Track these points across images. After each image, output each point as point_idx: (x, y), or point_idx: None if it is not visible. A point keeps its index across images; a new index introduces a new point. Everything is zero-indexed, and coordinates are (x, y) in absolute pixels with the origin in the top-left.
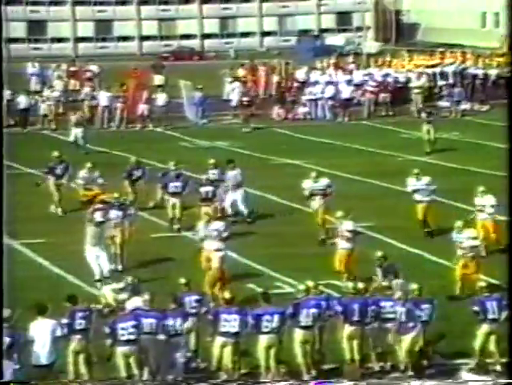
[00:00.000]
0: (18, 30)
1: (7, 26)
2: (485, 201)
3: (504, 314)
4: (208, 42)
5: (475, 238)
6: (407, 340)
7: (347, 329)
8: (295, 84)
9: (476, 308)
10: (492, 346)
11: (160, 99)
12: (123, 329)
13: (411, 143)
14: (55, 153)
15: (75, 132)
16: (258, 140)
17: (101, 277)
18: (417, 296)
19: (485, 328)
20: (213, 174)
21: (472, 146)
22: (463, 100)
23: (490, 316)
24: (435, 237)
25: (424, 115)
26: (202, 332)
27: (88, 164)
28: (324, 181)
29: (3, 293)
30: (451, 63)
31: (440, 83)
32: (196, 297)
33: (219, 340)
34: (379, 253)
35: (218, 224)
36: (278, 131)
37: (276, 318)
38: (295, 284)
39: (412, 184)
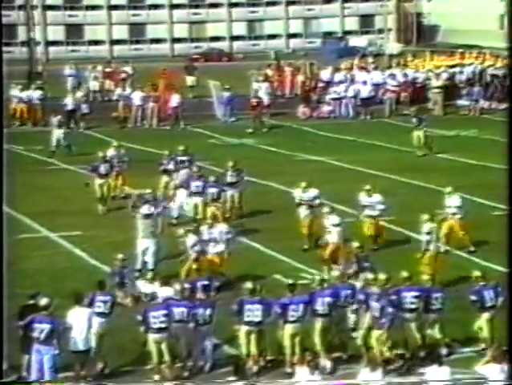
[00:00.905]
0: (57, 33)
1: (46, 30)
2: (452, 202)
3: (500, 300)
4: (236, 44)
5: (428, 233)
6: (375, 335)
7: (368, 318)
8: (320, 84)
9: (473, 297)
10: (494, 333)
11: (173, 100)
12: (154, 317)
13: (430, 141)
14: (100, 153)
15: (57, 134)
16: (284, 138)
17: (142, 269)
18: (430, 285)
19: (485, 316)
20: (230, 176)
21: (490, 143)
22: (481, 99)
23: (488, 304)
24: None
25: (414, 120)
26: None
27: (115, 143)
28: (312, 192)
29: (3, 291)
30: (470, 64)
31: (460, 82)
32: (205, 282)
33: (244, 329)
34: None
35: (222, 228)
36: (304, 129)
37: (301, 307)
38: (319, 274)
39: (362, 200)
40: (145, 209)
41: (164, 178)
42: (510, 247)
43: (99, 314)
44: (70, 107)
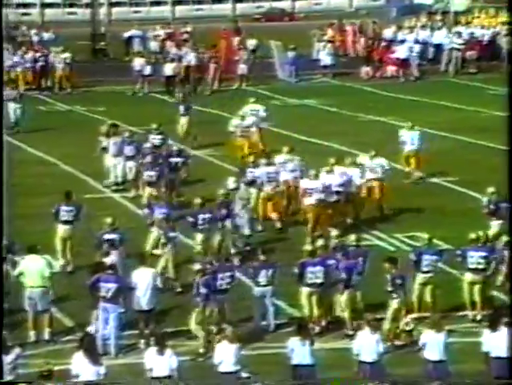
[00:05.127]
0: None
1: None
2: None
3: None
4: (298, 4)
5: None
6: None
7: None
8: (383, 43)
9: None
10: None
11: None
12: (221, 279)
13: (497, 99)
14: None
15: (14, 108)
16: (346, 98)
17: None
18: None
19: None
20: (250, 172)
21: None
22: None
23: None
24: None
25: (182, 107)
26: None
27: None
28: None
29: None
30: None
31: None
32: (208, 215)
33: (305, 290)
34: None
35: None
36: (366, 89)
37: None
38: (382, 236)
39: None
40: (250, 175)
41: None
42: (510, 248)
43: (64, 222)
44: (169, 73)
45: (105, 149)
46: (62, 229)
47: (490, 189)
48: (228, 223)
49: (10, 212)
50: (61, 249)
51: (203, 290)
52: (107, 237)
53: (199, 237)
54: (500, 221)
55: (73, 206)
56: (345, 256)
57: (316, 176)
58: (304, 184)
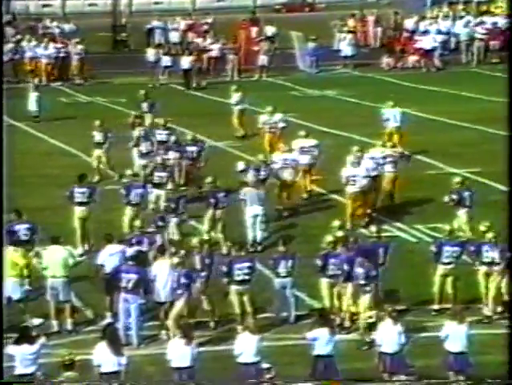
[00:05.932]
0: None
1: None
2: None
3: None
4: None
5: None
6: (176, 306)
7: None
8: (405, 34)
9: (433, 248)
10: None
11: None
12: (239, 269)
13: None
14: (97, 122)
15: (33, 97)
16: (367, 89)
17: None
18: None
19: (440, 270)
20: (264, 170)
21: None
22: None
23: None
24: None
25: (145, 105)
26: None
27: (269, 109)
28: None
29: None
30: None
31: None
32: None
33: (326, 281)
34: None
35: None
36: (387, 79)
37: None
38: (404, 228)
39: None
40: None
41: None
42: (510, 244)
43: (79, 204)
44: (186, 66)
45: (99, 144)
46: (78, 211)
47: (456, 179)
48: (218, 212)
49: (34, 203)
50: (80, 233)
51: (184, 281)
52: (135, 240)
53: (174, 221)
54: (465, 209)
55: (86, 188)
56: (345, 247)
57: (358, 164)
58: (347, 171)
